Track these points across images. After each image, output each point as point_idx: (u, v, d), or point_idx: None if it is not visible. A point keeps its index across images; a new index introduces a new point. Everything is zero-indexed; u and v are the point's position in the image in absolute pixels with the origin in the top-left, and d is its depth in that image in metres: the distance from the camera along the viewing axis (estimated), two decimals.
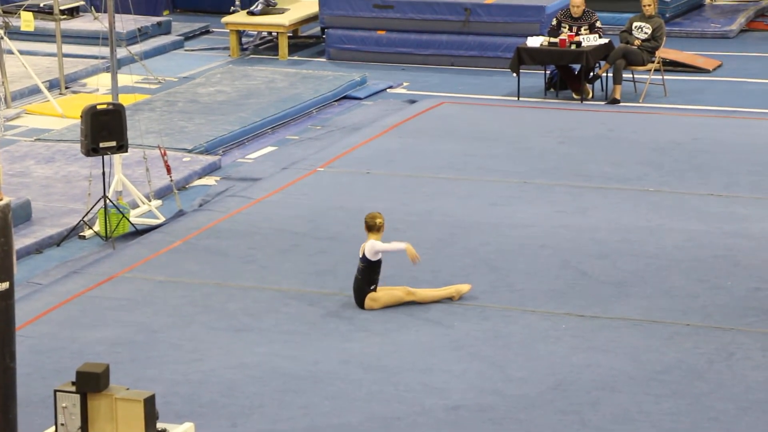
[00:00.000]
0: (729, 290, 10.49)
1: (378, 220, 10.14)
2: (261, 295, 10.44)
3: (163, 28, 19.60)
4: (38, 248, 11.73)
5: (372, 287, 10.15)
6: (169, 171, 12.59)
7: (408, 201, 12.61)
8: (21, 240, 11.59)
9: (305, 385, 8.99)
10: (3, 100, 15.85)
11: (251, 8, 18.90)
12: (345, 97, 16.60)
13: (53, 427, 7.52)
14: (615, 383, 9.00)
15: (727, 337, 9.67)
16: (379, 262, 10.12)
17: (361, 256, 10.14)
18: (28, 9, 17.32)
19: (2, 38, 15.62)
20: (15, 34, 17.10)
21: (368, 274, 10.13)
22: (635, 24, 16.32)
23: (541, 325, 9.91)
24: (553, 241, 11.53)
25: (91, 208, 12.04)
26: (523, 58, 16.12)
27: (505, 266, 11.01)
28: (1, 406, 7.06)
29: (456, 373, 9.16)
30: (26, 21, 16.47)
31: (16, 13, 17.04)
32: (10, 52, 16.20)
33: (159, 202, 12.80)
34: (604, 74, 16.30)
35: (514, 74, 16.27)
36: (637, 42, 16.19)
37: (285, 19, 18.64)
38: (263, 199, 12.73)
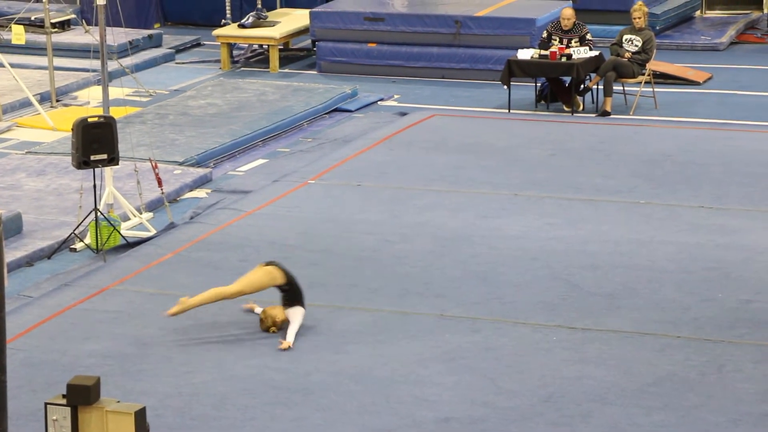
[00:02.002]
0: (720, 302, 10.51)
1: (276, 322, 9.90)
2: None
3: (154, 41, 19.61)
4: (29, 261, 11.71)
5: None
6: (160, 184, 12.59)
7: (399, 213, 12.62)
8: (12, 253, 11.58)
9: (297, 398, 8.98)
10: None
11: (242, 21, 18.92)
12: (336, 110, 16.62)
13: None
14: (606, 395, 9.00)
15: (718, 349, 9.68)
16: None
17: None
18: (19, 22, 17.32)
19: None
20: (6, 47, 17.11)
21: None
22: (625, 36, 16.36)
23: (532, 338, 9.91)
24: (544, 253, 11.54)
25: (82, 221, 12.03)
26: (514, 71, 16.16)
27: (495, 278, 11.02)
28: None
29: (447, 386, 9.16)
30: (17, 34, 16.48)
31: (6, 26, 17.04)
32: (1, 65, 16.20)
33: (150, 214, 12.79)
34: (595, 87, 16.34)
35: (505, 87, 16.29)
36: (627, 54, 16.22)
37: (276, 32, 18.66)
38: (254, 211, 12.73)
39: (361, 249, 11.69)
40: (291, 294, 9.96)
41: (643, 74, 16.24)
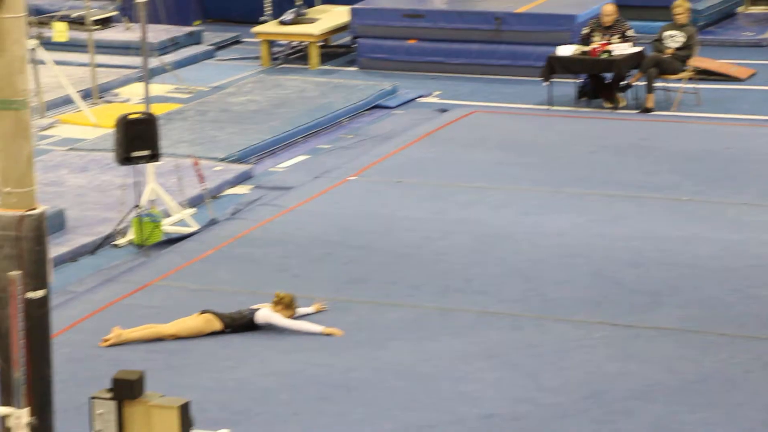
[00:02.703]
0: (764, 300, 10.43)
1: (286, 299, 9.97)
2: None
3: (195, 38, 19.66)
4: (73, 257, 11.78)
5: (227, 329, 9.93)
6: (201, 180, 12.63)
7: (440, 210, 12.60)
8: (56, 248, 11.63)
9: (339, 393, 8.99)
10: (37, 110, 15.93)
11: (282, 18, 18.94)
12: (376, 107, 16.61)
13: None
14: (650, 393, 8.96)
15: (762, 346, 9.61)
16: (255, 327, 9.94)
17: (251, 315, 9.92)
18: (61, 20, 17.41)
19: (36, 49, 15.71)
20: (48, 44, 17.18)
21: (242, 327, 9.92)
22: (667, 33, 16.27)
23: (575, 335, 9.88)
24: (586, 250, 11.50)
25: (125, 217, 12.09)
26: (555, 67, 16.10)
27: (537, 275, 10.99)
28: (38, 413, 7.09)
29: (489, 382, 9.14)
30: (59, 31, 16.56)
31: (48, 24, 17.13)
32: (44, 62, 16.28)
33: (192, 210, 12.83)
34: (636, 83, 16.26)
35: (546, 83, 16.25)
36: (669, 51, 16.13)
37: (316, 29, 18.68)
38: (295, 207, 12.74)
39: (402, 246, 11.68)
40: (242, 327, 9.90)
41: (685, 70, 16.14)
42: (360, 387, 9.07)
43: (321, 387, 9.07)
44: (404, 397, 8.92)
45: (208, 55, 19.35)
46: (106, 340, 9.75)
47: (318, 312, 10.21)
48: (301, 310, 10.13)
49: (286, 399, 8.90)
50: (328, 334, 9.86)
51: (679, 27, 16.22)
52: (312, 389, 9.04)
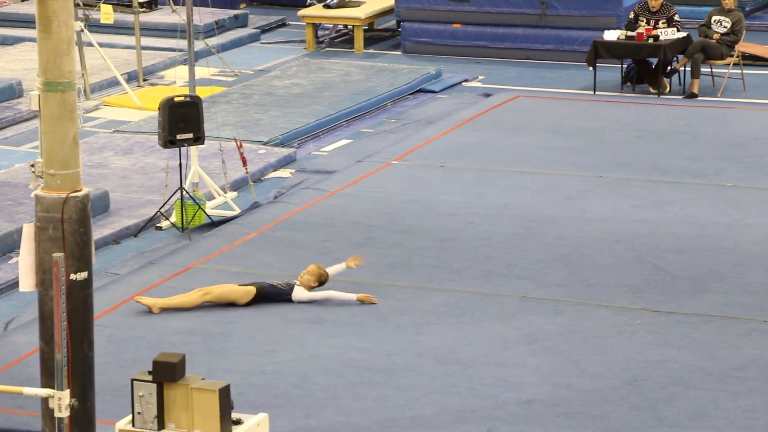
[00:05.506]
0: None
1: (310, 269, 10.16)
2: (335, 287, 10.45)
3: (240, 21, 19.71)
4: (116, 239, 11.85)
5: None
6: (244, 163, 12.67)
7: (483, 194, 12.58)
8: (99, 230, 11.72)
9: (379, 378, 9.01)
10: (82, 91, 16.02)
11: (327, 1, 18.95)
12: (420, 91, 16.59)
13: (130, 416, 7.61)
14: (691, 379, 8.93)
15: None
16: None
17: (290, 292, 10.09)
18: (107, 2, 17.50)
19: (82, 31, 15.80)
20: (95, 26, 17.28)
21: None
22: (714, 18, 16.15)
23: (616, 320, 9.85)
24: (628, 235, 11.45)
25: (168, 200, 12.15)
26: (600, 52, 16.03)
27: (579, 261, 10.96)
28: (80, 394, 7.16)
29: (530, 367, 9.13)
30: (106, 14, 16.64)
31: (95, 6, 17.22)
32: (90, 44, 16.37)
33: (234, 193, 12.88)
34: (682, 68, 16.15)
35: (591, 68, 16.17)
36: (716, 36, 16.02)
37: (361, 12, 18.67)
38: (338, 191, 12.76)
39: (445, 230, 11.68)
40: (278, 297, 10.08)
41: (732, 56, 16.03)
42: (400, 371, 9.08)
43: (360, 371, 9.09)
44: (444, 382, 8.93)
45: (253, 38, 19.39)
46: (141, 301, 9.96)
47: (349, 267, 10.26)
48: (333, 269, 10.19)
49: (325, 383, 8.93)
50: (362, 301, 9.93)
51: (727, 12, 16.10)
52: (351, 373, 9.07)
